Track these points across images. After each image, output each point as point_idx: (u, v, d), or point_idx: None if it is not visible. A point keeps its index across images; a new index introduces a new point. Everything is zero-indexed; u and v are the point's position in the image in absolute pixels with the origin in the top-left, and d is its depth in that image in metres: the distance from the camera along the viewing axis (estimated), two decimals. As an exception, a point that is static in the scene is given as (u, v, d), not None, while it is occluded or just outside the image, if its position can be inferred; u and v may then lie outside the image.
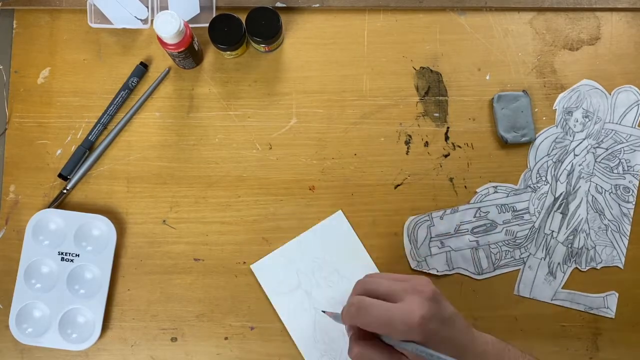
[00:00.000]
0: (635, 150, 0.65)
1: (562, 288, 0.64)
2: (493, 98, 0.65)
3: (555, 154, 0.65)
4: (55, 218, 0.63)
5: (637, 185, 0.65)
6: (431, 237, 0.64)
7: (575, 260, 0.64)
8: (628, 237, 0.65)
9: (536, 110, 0.66)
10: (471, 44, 0.67)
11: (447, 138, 0.66)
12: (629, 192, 0.65)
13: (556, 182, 0.65)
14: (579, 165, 0.65)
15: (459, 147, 0.66)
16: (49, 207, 0.64)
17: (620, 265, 0.65)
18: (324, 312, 0.59)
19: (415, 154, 0.66)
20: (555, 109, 0.66)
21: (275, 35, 0.62)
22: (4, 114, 0.66)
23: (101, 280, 0.63)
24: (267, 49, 0.65)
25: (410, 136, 0.66)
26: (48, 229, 0.63)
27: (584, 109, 0.65)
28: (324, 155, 0.65)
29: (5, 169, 0.65)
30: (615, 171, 0.65)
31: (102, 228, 0.63)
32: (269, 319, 0.64)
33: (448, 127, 0.66)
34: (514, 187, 0.65)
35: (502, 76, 0.66)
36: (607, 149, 0.65)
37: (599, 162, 0.65)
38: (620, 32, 0.67)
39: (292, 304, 0.63)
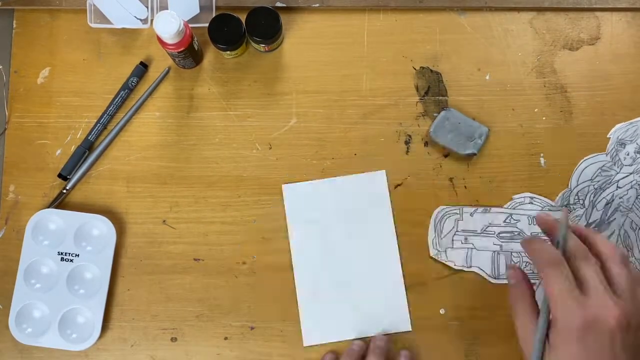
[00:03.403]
0: None
1: None
2: (430, 138, 0.64)
3: (599, 181, 0.65)
4: (55, 218, 0.63)
5: None
6: (457, 231, 0.64)
7: None
8: None
9: (536, 110, 0.66)
10: (471, 44, 0.67)
11: (447, 138, 0.66)
12: None
13: (593, 208, 0.64)
14: (619, 198, 0.64)
15: (459, 147, 0.66)
16: (48, 207, 0.64)
17: None
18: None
19: (415, 154, 0.66)
20: (609, 138, 0.65)
21: (275, 35, 0.62)
22: (3, 114, 0.66)
23: (101, 280, 0.63)
24: (267, 49, 0.65)
25: (410, 136, 0.66)
26: (48, 229, 0.63)
27: (638, 144, 0.65)
28: (324, 155, 0.65)
29: (5, 169, 0.65)
30: None
31: (101, 228, 0.63)
32: (269, 318, 0.64)
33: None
34: (550, 203, 0.64)
35: (502, 76, 0.66)
36: None
37: None
38: (620, 32, 0.67)
39: (305, 234, 0.64)
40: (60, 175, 0.64)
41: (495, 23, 0.67)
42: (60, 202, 0.64)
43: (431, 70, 0.67)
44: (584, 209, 0.64)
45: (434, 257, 0.64)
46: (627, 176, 0.65)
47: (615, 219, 0.64)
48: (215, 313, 0.64)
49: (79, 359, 0.63)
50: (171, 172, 0.65)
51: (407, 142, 0.66)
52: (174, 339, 0.63)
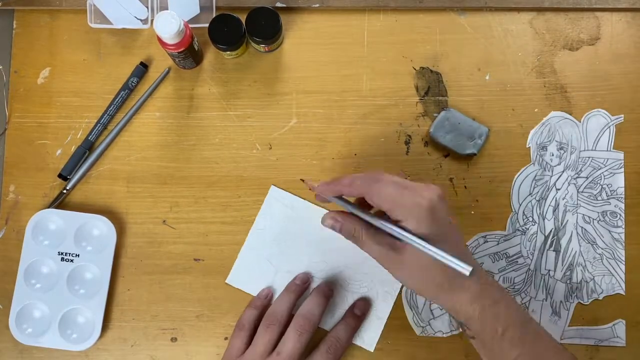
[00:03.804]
0: (614, 174, 0.65)
1: (569, 326, 0.63)
2: (430, 137, 0.64)
3: (538, 192, 0.65)
4: (55, 218, 0.63)
5: (624, 208, 0.64)
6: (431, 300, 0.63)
7: (576, 295, 0.64)
8: (624, 262, 0.64)
9: (536, 110, 0.66)
10: (471, 44, 0.67)
11: (447, 138, 0.66)
12: (617, 216, 0.64)
13: (543, 220, 0.64)
14: (563, 199, 0.64)
15: (459, 147, 0.66)
16: (49, 207, 0.64)
17: (622, 292, 0.64)
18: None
19: (415, 154, 0.66)
20: (529, 147, 0.65)
21: (275, 35, 0.62)
22: (4, 114, 0.66)
23: (101, 280, 0.63)
24: (267, 49, 0.65)
25: (410, 136, 0.66)
26: (48, 229, 0.63)
27: (557, 141, 0.65)
28: (324, 155, 0.65)
29: (5, 169, 0.65)
30: (599, 198, 0.64)
31: (102, 228, 0.63)
32: (269, 319, 0.64)
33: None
34: (502, 234, 0.64)
35: (502, 76, 0.66)
36: (587, 177, 0.64)
37: (582, 192, 0.64)
38: (620, 32, 0.67)
39: (279, 288, 0.63)
40: (60, 176, 0.64)
41: (495, 23, 0.67)
42: (60, 202, 0.64)
43: (431, 70, 0.67)
44: (536, 224, 0.64)
45: (421, 335, 0.63)
46: (560, 175, 0.65)
47: (567, 220, 0.64)
48: (215, 313, 0.64)
49: (79, 359, 0.63)
50: (171, 172, 0.65)
51: (407, 142, 0.66)
52: (174, 339, 0.64)
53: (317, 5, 0.66)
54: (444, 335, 0.63)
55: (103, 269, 0.63)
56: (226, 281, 0.64)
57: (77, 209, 0.64)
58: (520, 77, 0.67)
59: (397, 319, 0.63)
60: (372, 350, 0.63)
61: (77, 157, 0.64)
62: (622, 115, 0.66)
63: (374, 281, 0.63)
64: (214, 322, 0.64)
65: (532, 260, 0.64)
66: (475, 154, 0.64)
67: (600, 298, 0.64)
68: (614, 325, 0.63)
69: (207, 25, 0.62)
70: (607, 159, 0.65)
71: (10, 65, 0.66)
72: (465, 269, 0.46)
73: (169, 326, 0.64)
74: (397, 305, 0.63)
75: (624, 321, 0.63)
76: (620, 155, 0.65)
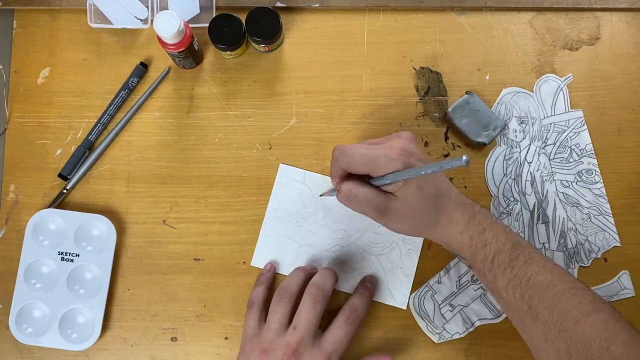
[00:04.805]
0: (579, 132, 0.65)
1: None
2: (447, 116, 0.65)
3: (512, 171, 0.65)
4: (55, 218, 0.63)
5: (597, 163, 0.65)
6: (439, 305, 0.63)
7: (576, 260, 0.64)
8: (612, 215, 0.65)
9: (536, 110, 0.66)
10: (471, 44, 0.67)
11: (446, 138, 0.66)
12: (592, 173, 0.65)
13: (524, 196, 0.64)
14: (537, 171, 0.65)
15: (459, 147, 0.66)
16: (49, 207, 0.64)
17: (618, 244, 0.64)
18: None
19: (415, 154, 0.66)
20: None
21: (275, 35, 0.62)
22: (4, 114, 0.66)
23: (101, 280, 0.63)
24: (267, 49, 0.65)
25: (410, 136, 0.66)
26: (48, 229, 0.63)
27: (516, 116, 0.65)
28: (324, 155, 0.65)
29: (5, 169, 0.65)
30: (571, 160, 0.65)
31: (102, 228, 0.63)
32: (269, 319, 0.64)
33: (448, 127, 0.66)
34: None
35: (502, 76, 0.66)
36: (554, 144, 0.65)
37: (553, 159, 0.65)
38: (620, 32, 0.67)
39: (304, 262, 0.64)
40: (60, 175, 0.64)
41: (495, 23, 0.67)
42: (60, 202, 0.64)
43: (431, 70, 0.67)
44: (519, 202, 0.64)
45: (439, 342, 0.63)
46: (528, 149, 0.65)
47: (547, 190, 0.64)
48: (215, 313, 0.64)
49: (79, 359, 0.63)
50: (171, 172, 0.65)
51: (407, 142, 0.66)
52: (174, 339, 0.64)
53: (317, 5, 0.66)
54: (462, 336, 0.63)
55: (103, 268, 0.63)
56: (251, 264, 0.64)
57: (77, 209, 0.64)
58: (520, 77, 0.67)
59: (396, 319, 0.63)
60: (405, 308, 0.63)
61: (77, 157, 0.64)
62: (571, 74, 0.66)
63: (395, 240, 0.63)
64: (214, 322, 0.64)
65: (524, 238, 0.64)
66: (485, 144, 0.64)
67: (599, 256, 0.64)
68: (619, 278, 0.64)
69: (207, 25, 0.62)
70: (568, 119, 0.65)
71: (10, 65, 0.66)
72: (461, 160, 0.45)
73: (169, 326, 0.64)
74: (397, 307, 0.64)
75: (627, 271, 0.64)
76: (580, 113, 0.66)
